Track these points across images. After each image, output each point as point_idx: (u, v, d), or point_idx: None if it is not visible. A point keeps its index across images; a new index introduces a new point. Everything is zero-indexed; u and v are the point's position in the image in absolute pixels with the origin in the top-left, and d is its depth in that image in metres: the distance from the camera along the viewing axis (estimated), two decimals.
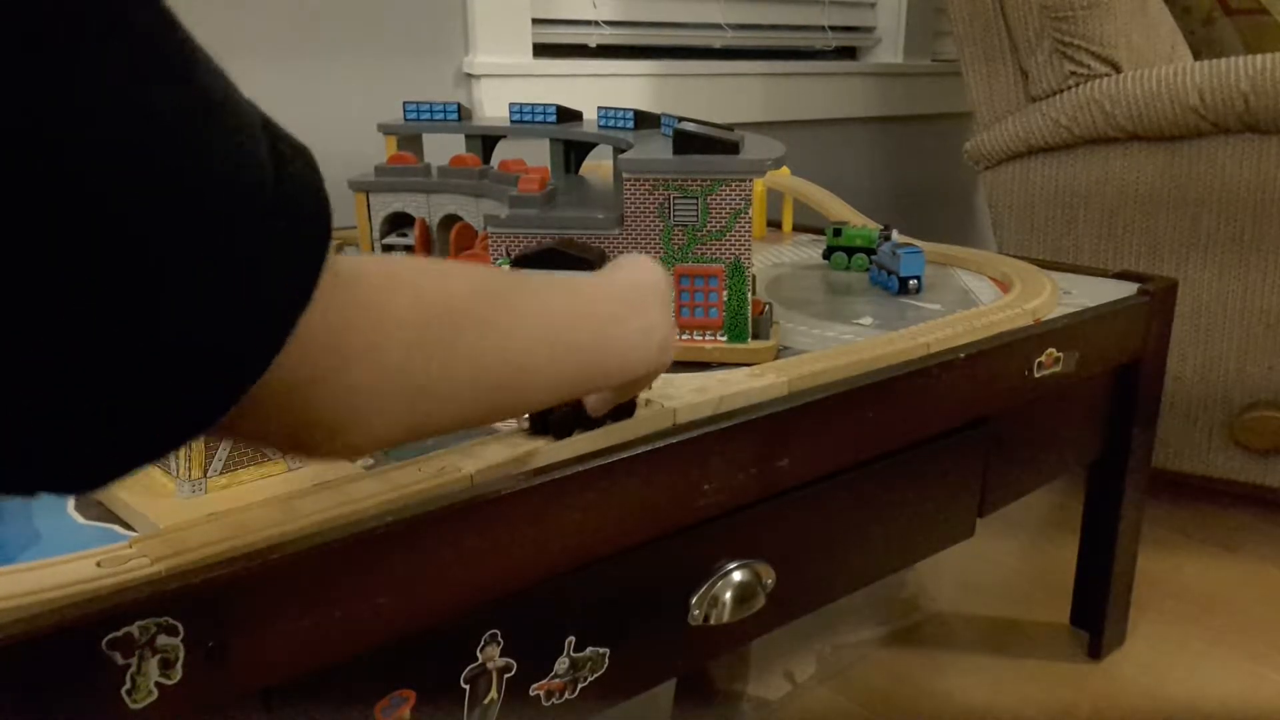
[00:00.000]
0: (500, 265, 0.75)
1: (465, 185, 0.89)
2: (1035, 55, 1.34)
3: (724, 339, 0.75)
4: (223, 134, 0.28)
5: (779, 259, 1.13)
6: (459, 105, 0.98)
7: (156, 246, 0.26)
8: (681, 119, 0.80)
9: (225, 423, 0.30)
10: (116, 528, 0.50)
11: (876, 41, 1.90)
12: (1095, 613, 1.08)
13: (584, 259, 0.71)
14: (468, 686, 0.56)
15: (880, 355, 0.74)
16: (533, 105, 0.98)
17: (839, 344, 0.77)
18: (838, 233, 1.07)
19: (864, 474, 0.75)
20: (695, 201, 0.72)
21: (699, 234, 0.73)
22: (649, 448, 0.59)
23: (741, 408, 0.65)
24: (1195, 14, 1.72)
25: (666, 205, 0.72)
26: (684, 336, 0.75)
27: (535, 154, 0.98)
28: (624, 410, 0.59)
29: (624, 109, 0.93)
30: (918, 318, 0.86)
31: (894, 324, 0.85)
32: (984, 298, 0.94)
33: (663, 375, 0.69)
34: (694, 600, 0.66)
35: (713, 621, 0.66)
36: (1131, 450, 1.01)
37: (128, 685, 0.41)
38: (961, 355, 0.77)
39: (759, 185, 1.19)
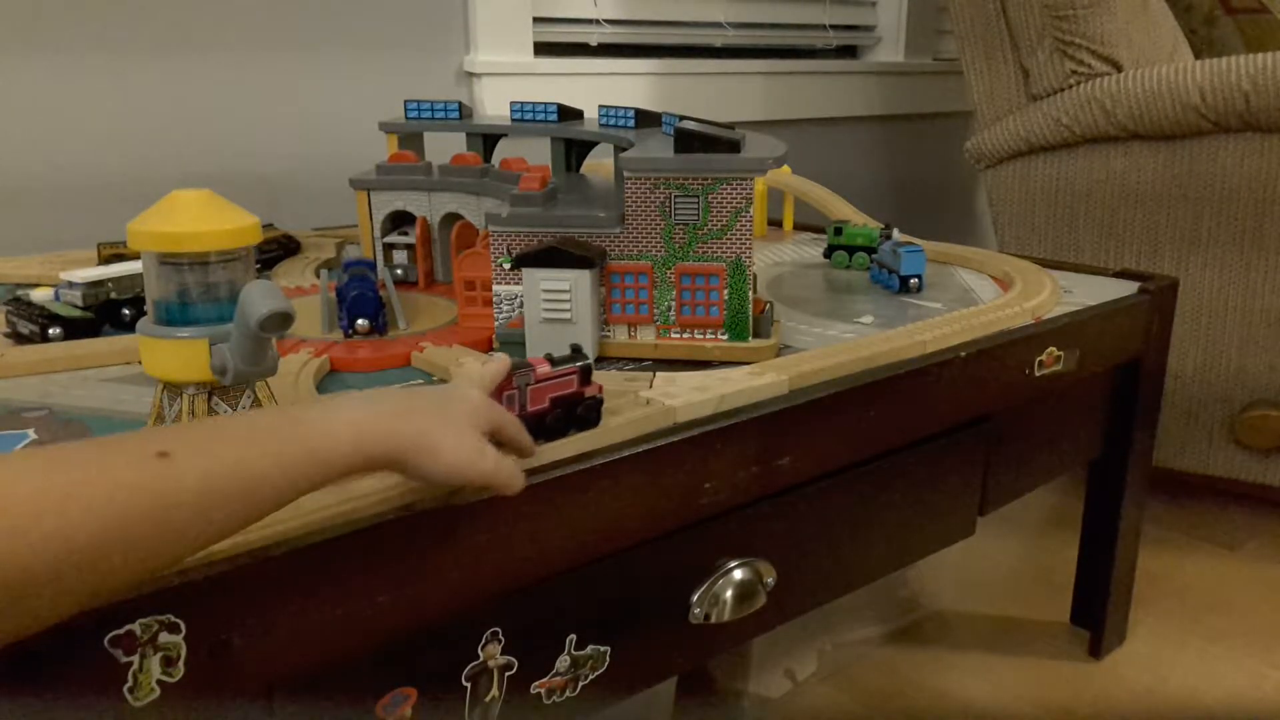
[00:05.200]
0: (502, 263, 0.75)
1: (466, 184, 0.89)
2: (1036, 54, 1.34)
3: (725, 337, 0.75)
4: None
5: (780, 258, 1.13)
6: (460, 104, 0.98)
7: None
8: (683, 117, 0.80)
9: None
10: None
11: (877, 40, 1.90)
12: (1096, 611, 1.08)
13: (584, 257, 0.71)
14: (469, 684, 0.56)
15: (881, 354, 0.75)
16: (534, 104, 0.98)
17: (840, 342, 0.77)
18: (839, 231, 1.07)
19: (865, 472, 0.75)
20: (696, 200, 0.72)
21: (700, 233, 0.73)
22: (650, 446, 0.59)
23: (742, 406, 0.65)
24: (1196, 13, 1.72)
25: (668, 204, 0.72)
26: (685, 335, 0.75)
27: (536, 152, 0.98)
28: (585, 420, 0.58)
29: (625, 107, 0.93)
30: (918, 316, 0.86)
31: (895, 322, 0.85)
32: (984, 296, 0.94)
33: (664, 374, 0.69)
34: (695, 598, 0.66)
35: (714, 620, 0.66)
36: (1132, 449, 1.01)
37: (130, 683, 0.41)
38: (962, 354, 0.77)
39: (760, 184, 1.19)
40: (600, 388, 0.59)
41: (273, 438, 0.42)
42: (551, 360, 0.57)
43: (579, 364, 0.57)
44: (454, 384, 0.53)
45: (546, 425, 0.57)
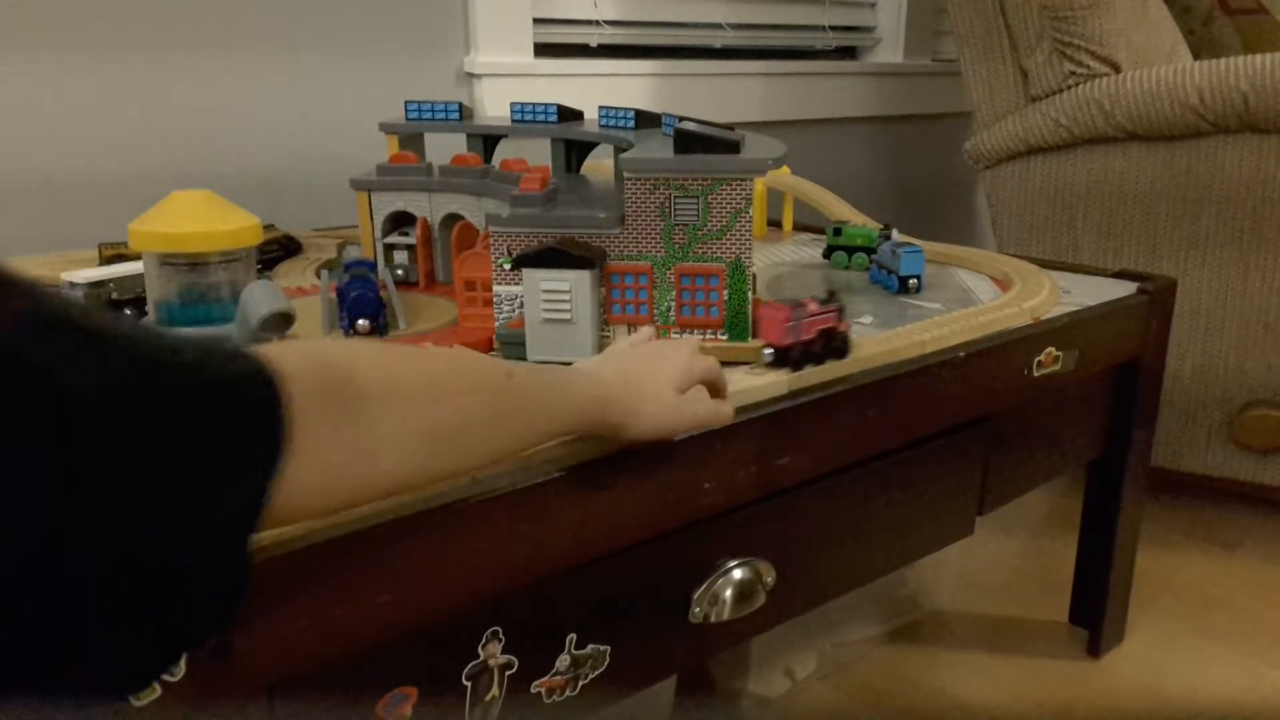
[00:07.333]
0: (502, 264, 0.75)
1: (467, 184, 0.89)
2: (1035, 55, 1.34)
3: (725, 338, 0.75)
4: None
5: (779, 258, 1.13)
6: (460, 105, 0.98)
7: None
8: (682, 118, 0.80)
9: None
10: None
11: (877, 41, 1.90)
12: (1094, 610, 1.08)
13: (584, 258, 0.71)
14: (469, 684, 0.56)
15: (880, 354, 0.75)
16: (534, 105, 0.99)
17: None
18: (838, 232, 1.08)
19: (864, 472, 0.75)
20: (696, 201, 0.72)
21: (700, 233, 0.73)
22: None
23: (742, 406, 0.65)
24: (1195, 14, 1.72)
25: (667, 204, 0.72)
26: (684, 335, 0.75)
27: (536, 153, 0.98)
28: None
29: (625, 108, 0.93)
30: (917, 316, 0.86)
31: (894, 323, 0.85)
32: (983, 297, 0.95)
33: None
34: (694, 598, 0.66)
35: (713, 619, 0.66)
36: (1130, 449, 1.01)
37: None
38: (961, 354, 0.78)
39: (759, 184, 1.19)
40: (849, 325, 0.74)
41: (560, 390, 0.53)
42: (818, 300, 0.71)
43: (836, 305, 0.71)
44: (667, 345, 0.63)
45: (813, 352, 0.70)
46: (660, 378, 0.58)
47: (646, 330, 0.68)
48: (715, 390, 0.62)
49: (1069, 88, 1.32)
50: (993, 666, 1.07)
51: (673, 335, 0.75)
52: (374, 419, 0.41)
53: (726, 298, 0.74)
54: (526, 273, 0.72)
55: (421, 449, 0.44)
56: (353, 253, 0.85)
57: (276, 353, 0.38)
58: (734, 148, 0.72)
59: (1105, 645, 1.09)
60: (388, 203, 0.92)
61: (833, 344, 0.72)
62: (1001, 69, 1.40)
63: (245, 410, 0.35)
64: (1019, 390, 0.85)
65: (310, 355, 0.40)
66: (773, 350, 0.71)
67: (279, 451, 0.36)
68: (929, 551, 0.85)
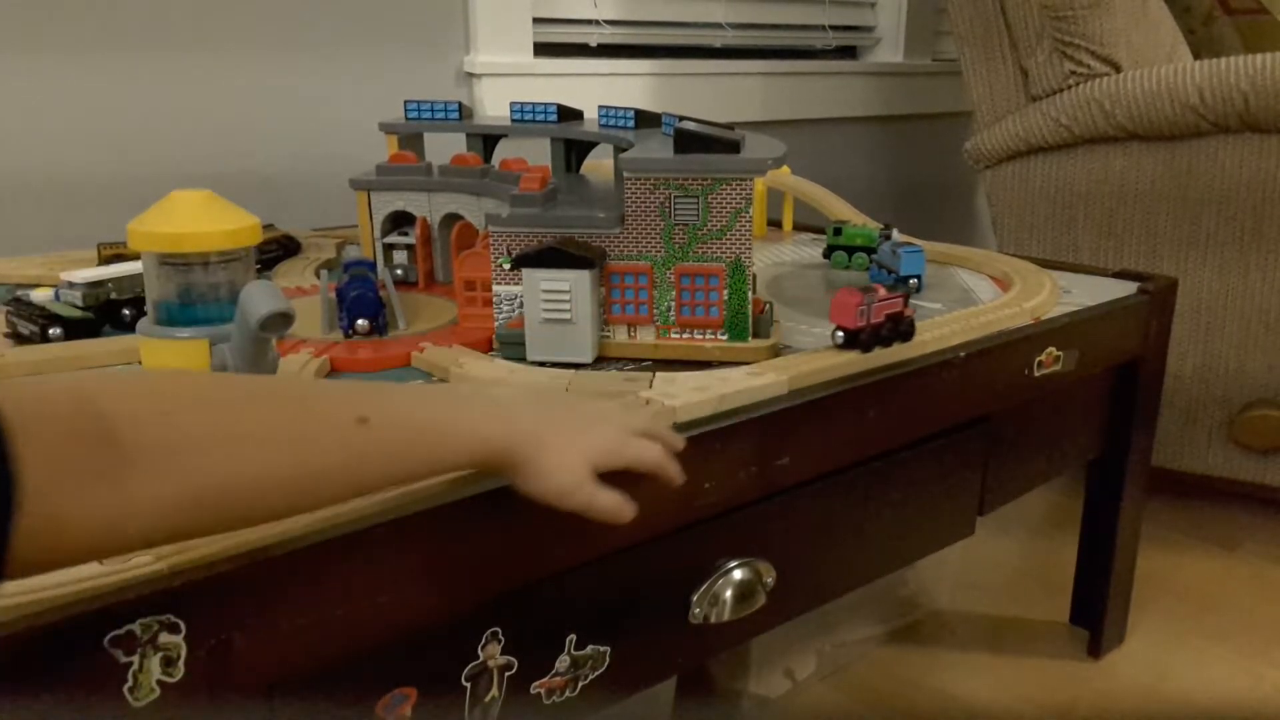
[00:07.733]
0: (502, 263, 0.75)
1: (466, 184, 0.89)
2: (1035, 54, 1.34)
3: (725, 338, 0.75)
4: None
5: (779, 258, 1.13)
6: (460, 104, 0.98)
7: None
8: (682, 118, 0.80)
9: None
10: None
11: (877, 41, 1.90)
12: (1095, 611, 1.08)
13: (584, 258, 0.71)
14: (469, 684, 0.56)
15: (880, 354, 0.75)
16: (534, 104, 0.98)
17: None
18: (838, 232, 1.08)
19: (864, 472, 0.75)
20: (696, 200, 0.72)
21: (700, 233, 0.73)
22: None
23: (742, 406, 0.65)
24: (1195, 13, 1.72)
25: (667, 204, 0.72)
26: (684, 335, 0.75)
27: (536, 153, 0.98)
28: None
29: (625, 108, 0.93)
30: (918, 316, 0.86)
31: None
32: (984, 296, 0.95)
33: (663, 374, 0.69)
34: (694, 598, 0.66)
35: (713, 619, 0.66)
36: (1131, 449, 1.01)
37: (130, 683, 0.42)
38: (961, 354, 0.78)
39: (759, 184, 1.19)
40: (913, 310, 0.77)
41: (440, 435, 0.48)
42: (886, 286, 0.74)
43: (901, 291, 0.75)
44: (607, 416, 0.56)
45: (881, 335, 0.74)
46: (579, 444, 0.51)
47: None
48: (665, 476, 0.56)
49: (1069, 87, 1.32)
50: (993, 667, 1.07)
51: (673, 335, 0.75)
52: (133, 478, 0.36)
53: (726, 298, 0.74)
54: (526, 273, 0.72)
55: (195, 511, 0.39)
56: (352, 252, 0.85)
57: (15, 395, 0.34)
58: (734, 148, 0.72)
59: (1106, 645, 1.09)
60: (387, 202, 0.92)
61: (900, 328, 0.75)
62: (1002, 69, 1.40)
63: None
64: (1019, 390, 0.85)
65: (63, 404, 0.36)
66: (844, 333, 0.73)
67: (6, 510, 0.32)
68: (929, 551, 0.85)
